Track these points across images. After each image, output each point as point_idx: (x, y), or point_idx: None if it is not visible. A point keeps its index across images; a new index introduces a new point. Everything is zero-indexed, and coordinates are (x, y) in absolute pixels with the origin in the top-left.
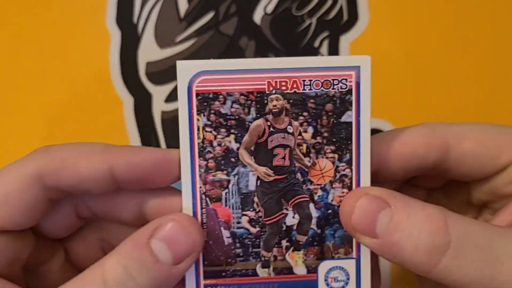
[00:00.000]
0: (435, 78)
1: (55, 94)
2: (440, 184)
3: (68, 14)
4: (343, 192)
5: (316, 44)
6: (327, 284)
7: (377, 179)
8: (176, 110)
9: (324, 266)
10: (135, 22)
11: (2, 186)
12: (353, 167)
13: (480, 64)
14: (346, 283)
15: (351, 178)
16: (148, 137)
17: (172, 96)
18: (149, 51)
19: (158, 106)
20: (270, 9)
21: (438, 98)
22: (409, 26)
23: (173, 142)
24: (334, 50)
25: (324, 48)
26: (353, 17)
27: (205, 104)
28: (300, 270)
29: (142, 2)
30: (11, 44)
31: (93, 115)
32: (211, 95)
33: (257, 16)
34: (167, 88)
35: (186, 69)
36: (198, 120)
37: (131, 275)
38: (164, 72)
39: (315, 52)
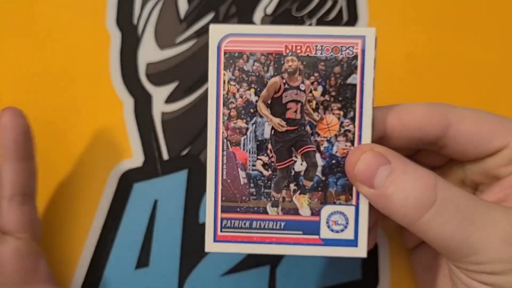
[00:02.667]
0: (435, 79)
1: (55, 94)
2: (440, 163)
3: (68, 15)
4: (346, 145)
5: None
6: (328, 227)
7: (382, 145)
8: (176, 111)
9: (326, 210)
10: (135, 23)
11: None
12: (356, 123)
13: (480, 64)
14: (345, 227)
15: (353, 133)
16: (148, 138)
17: (172, 97)
18: (149, 52)
19: (158, 107)
20: (270, 10)
21: (438, 99)
22: (409, 26)
23: (173, 142)
24: None
25: None
26: (353, 18)
27: (231, 61)
28: (305, 211)
29: (142, 3)
30: (11, 45)
31: (93, 116)
32: (236, 54)
33: (257, 17)
34: (167, 89)
35: (217, 31)
36: (224, 74)
37: None
38: (164, 73)
39: None
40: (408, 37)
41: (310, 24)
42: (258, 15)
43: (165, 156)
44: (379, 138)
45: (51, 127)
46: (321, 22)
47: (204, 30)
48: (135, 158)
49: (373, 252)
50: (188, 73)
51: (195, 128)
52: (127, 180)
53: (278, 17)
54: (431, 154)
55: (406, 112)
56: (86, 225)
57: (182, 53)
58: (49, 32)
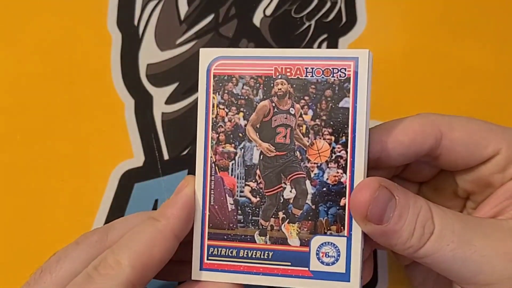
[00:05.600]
0: (433, 80)
1: (56, 95)
2: (429, 178)
3: (70, 16)
4: (338, 172)
5: (315, 46)
6: (318, 258)
7: (378, 166)
8: (177, 112)
9: (316, 241)
10: (135, 25)
11: None
12: (349, 149)
13: (478, 65)
14: (337, 260)
15: (346, 160)
16: (148, 138)
17: (172, 98)
18: (149, 53)
19: (159, 108)
20: (269, 11)
21: (436, 100)
22: (407, 28)
23: (173, 143)
24: None
25: None
26: (352, 20)
27: (220, 84)
28: (294, 241)
29: (142, 5)
30: (13, 45)
31: (94, 117)
32: (226, 77)
33: (257, 19)
34: (167, 90)
35: (206, 54)
36: (213, 98)
37: None
38: (164, 74)
39: None
40: (406, 37)
41: (309, 25)
42: (257, 16)
43: (166, 156)
44: (376, 159)
45: (53, 127)
46: (320, 23)
47: (204, 32)
48: (136, 158)
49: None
50: (188, 74)
51: (195, 129)
52: (128, 180)
53: (277, 18)
54: (419, 170)
55: (400, 129)
56: (87, 225)
57: (182, 54)
58: (50, 33)
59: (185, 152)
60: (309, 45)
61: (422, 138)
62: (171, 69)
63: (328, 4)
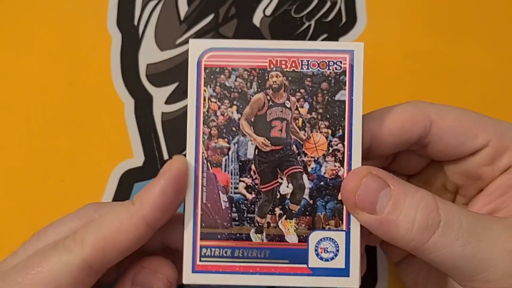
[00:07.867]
0: (432, 80)
1: (56, 95)
2: (418, 170)
3: (70, 16)
4: (335, 166)
5: None
6: (317, 254)
7: (369, 155)
8: (176, 112)
9: (314, 236)
10: (135, 25)
11: (54, 278)
12: (345, 142)
13: (478, 66)
14: (336, 255)
15: (343, 153)
16: (148, 138)
17: (172, 98)
18: (149, 53)
19: (159, 108)
20: (269, 11)
21: (435, 99)
22: (407, 28)
23: (173, 142)
24: None
25: None
26: (352, 19)
27: (212, 77)
28: (291, 238)
29: (142, 5)
30: (13, 45)
31: (94, 117)
32: (217, 69)
33: (257, 18)
34: (167, 90)
35: (197, 45)
36: (204, 91)
37: None
38: (164, 74)
39: None
40: (406, 37)
41: (309, 25)
42: (257, 16)
43: (166, 156)
44: (366, 149)
45: (53, 127)
46: (320, 23)
47: (204, 32)
48: (136, 158)
49: (371, 250)
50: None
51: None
52: (128, 180)
53: (277, 18)
54: (408, 162)
55: (389, 118)
56: None
57: (182, 54)
58: (50, 33)
59: (185, 152)
60: None
61: (411, 126)
62: (171, 69)
63: (328, 4)
